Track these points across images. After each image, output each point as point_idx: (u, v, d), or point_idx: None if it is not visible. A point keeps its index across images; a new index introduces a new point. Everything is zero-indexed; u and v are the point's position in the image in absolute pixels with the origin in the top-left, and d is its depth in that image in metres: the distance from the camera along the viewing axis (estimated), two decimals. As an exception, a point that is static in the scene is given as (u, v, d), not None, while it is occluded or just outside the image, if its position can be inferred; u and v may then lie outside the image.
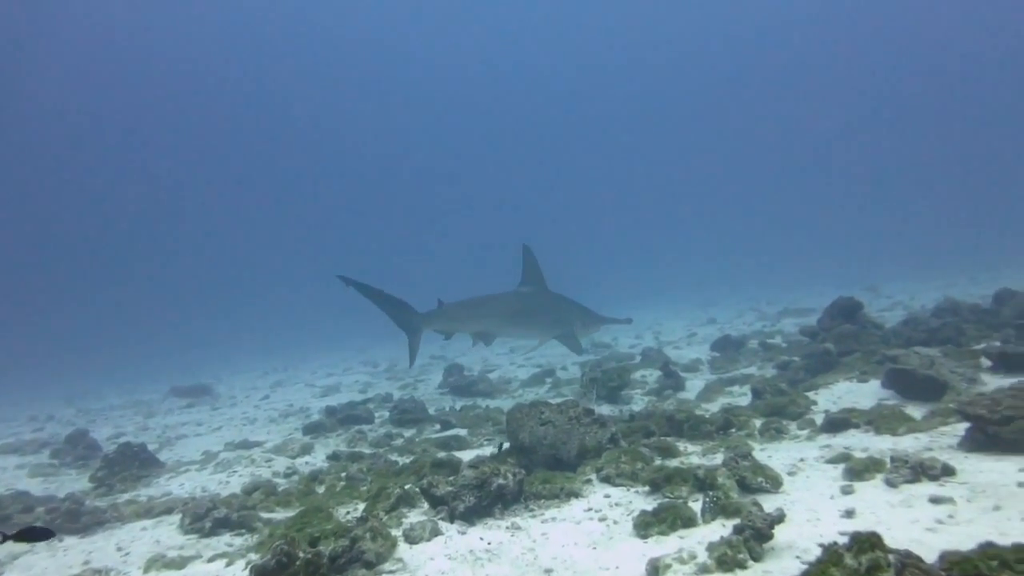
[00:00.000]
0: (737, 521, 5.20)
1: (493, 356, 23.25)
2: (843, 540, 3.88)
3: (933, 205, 67.30)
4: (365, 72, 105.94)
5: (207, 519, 7.20)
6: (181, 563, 6.32)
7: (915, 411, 7.84)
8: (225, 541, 6.90)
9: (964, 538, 4.28)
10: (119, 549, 6.93)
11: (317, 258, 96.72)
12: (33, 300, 73.26)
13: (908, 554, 3.38)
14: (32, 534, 5.73)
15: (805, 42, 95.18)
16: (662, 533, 5.46)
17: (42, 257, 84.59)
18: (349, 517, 6.92)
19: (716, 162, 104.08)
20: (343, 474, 8.93)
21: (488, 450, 9.68)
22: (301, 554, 5.27)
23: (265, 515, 7.54)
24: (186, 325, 60.93)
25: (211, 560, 6.35)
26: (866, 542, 3.46)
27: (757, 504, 5.19)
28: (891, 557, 3.37)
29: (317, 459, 10.48)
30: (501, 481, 6.52)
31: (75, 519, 7.60)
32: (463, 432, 11.19)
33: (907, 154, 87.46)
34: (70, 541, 7.38)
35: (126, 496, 9.36)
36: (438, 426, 12.06)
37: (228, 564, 6.15)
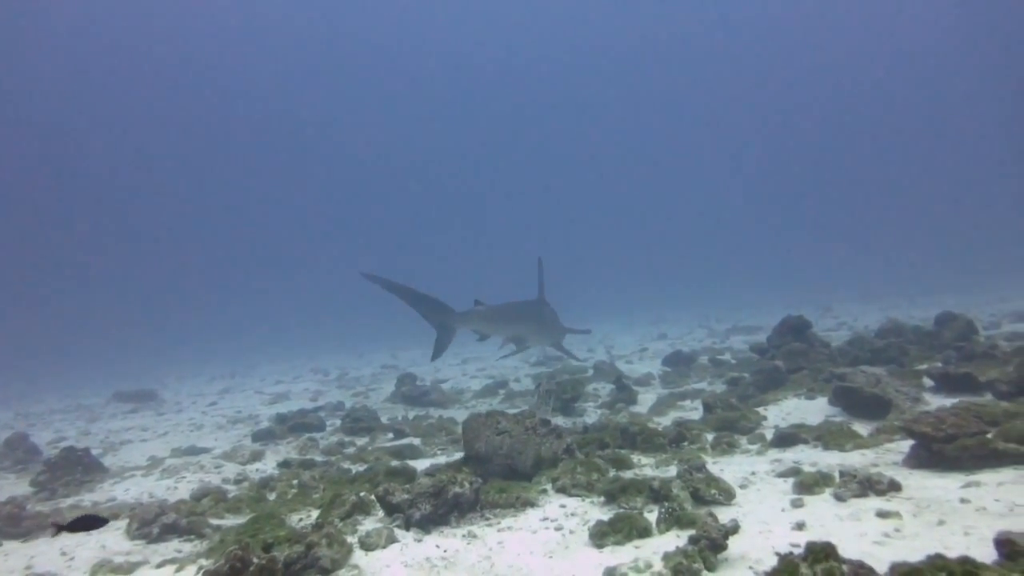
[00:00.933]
0: (692, 532, 5.29)
1: (445, 367, 23.21)
2: (796, 551, 4.00)
3: (876, 231, 69.36)
4: (363, 72, 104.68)
5: (155, 524, 7.01)
6: (128, 568, 6.14)
7: (861, 428, 8.06)
8: (174, 547, 6.73)
9: (910, 551, 4.42)
10: (63, 554, 6.70)
11: (270, 265, 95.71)
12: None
13: (861, 564, 3.48)
14: (86, 523, 5.69)
15: (760, 76, 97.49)
16: (617, 543, 5.50)
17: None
18: (302, 524, 6.83)
19: (674, 184, 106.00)
20: (295, 481, 8.80)
21: (442, 459, 9.67)
22: (255, 559, 5.18)
23: (215, 521, 7.37)
24: (129, 329, 59.38)
25: (159, 566, 6.18)
26: (821, 552, 3.56)
27: (712, 515, 5.27)
28: (845, 567, 3.47)
29: (268, 466, 10.30)
30: (458, 489, 6.50)
31: (16, 523, 7.34)
32: (417, 441, 11.13)
33: (857, 182, 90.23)
34: (11, 545, 7.10)
35: (69, 501, 9.07)
36: (391, 435, 11.98)
37: (178, 570, 5.99)
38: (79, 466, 10.16)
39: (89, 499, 9.13)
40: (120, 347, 47.89)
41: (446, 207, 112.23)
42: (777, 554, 4.10)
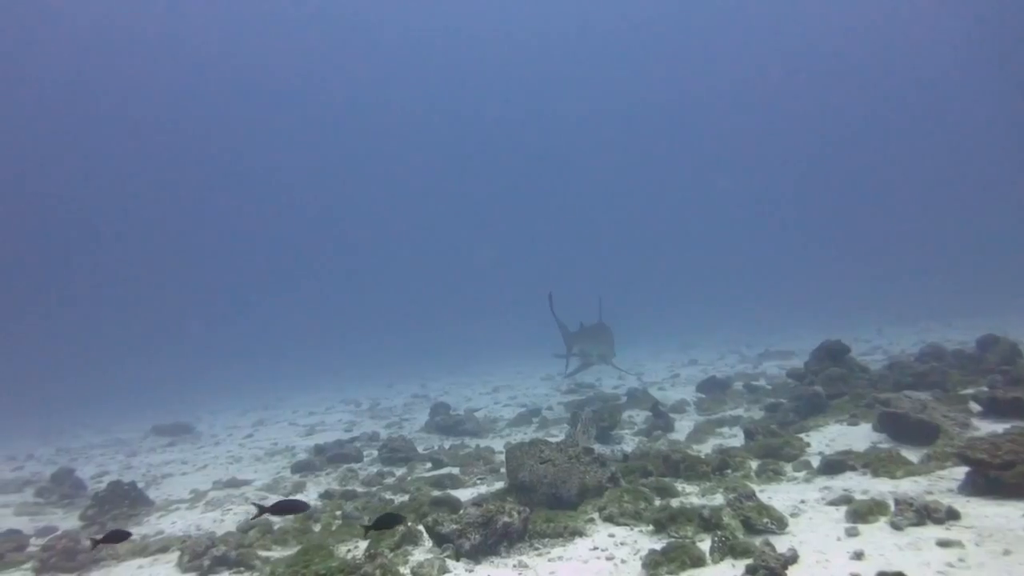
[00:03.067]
0: (747, 561, 5.25)
1: (476, 396, 23.20)
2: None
3: (909, 253, 68.53)
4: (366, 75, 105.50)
5: (206, 557, 7.08)
6: (182, 601, 6.22)
7: (910, 454, 7.94)
8: (225, 579, 6.80)
9: (977, 581, 4.39)
10: (118, 587, 6.80)
11: (295, 293, 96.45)
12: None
13: (935, 594, 3.43)
14: (287, 507, 5.99)
15: (781, 92, 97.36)
16: (671, 572, 5.48)
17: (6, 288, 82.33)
18: (351, 555, 6.85)
19: (698, 207, 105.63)
20: (338, 512, 8.84)
21: (482, 488, 9.67)
22: (311, 591, 5.23)
23: (263, 553, 7.42)
24: (158, 363, 59.94)
25: (213, 598, 6.25)
26: (893, 581, 3.52)
27: (769, 544, 5.23)
28: (919, 596, 3.42)
29: (310, 497, 10.33)
30: (507, 519, 6.51)
31: (71, 558, 7.45)
32: (455, 471, 11.13)
33: (883, 201, 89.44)
34: (65, 579, 7.23)
35: (117, 534, 9.16)
36: (429, 464, 11.99)
37: (232, 602, 6.05)
38: (126, 499, 10.29)
39: (137, 532, 9.22)
40: (149, 379, 48.34)
41: (468, 233, 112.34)
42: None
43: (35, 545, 8.60)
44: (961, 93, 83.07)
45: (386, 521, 5.73)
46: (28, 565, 7.78)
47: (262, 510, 5.71)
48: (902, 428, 8.75)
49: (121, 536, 5.86)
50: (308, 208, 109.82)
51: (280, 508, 5.88)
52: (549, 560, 6.15)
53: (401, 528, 6.93)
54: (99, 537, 5.84)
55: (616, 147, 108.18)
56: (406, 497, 9.24)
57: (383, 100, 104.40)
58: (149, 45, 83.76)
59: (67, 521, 10.17)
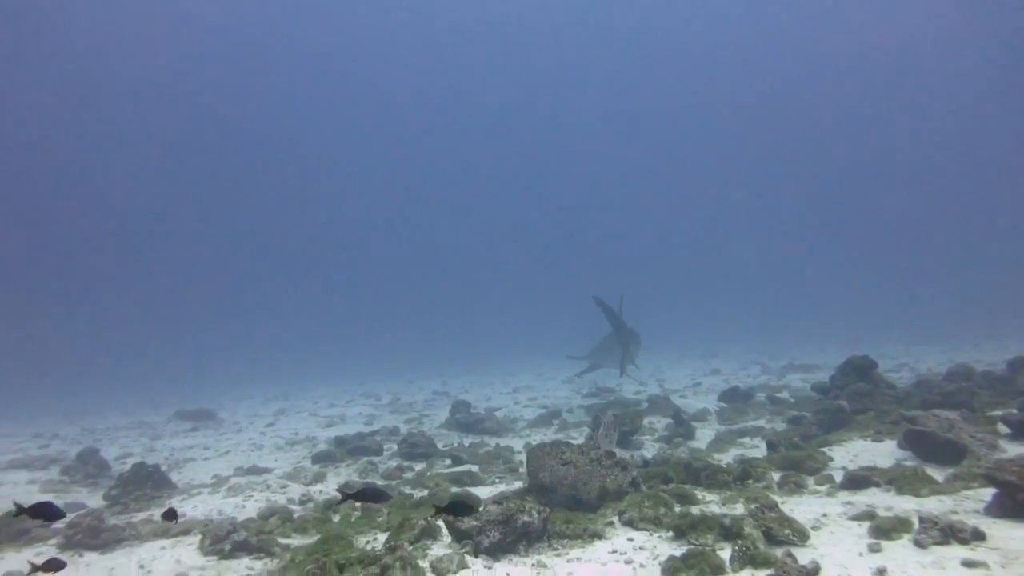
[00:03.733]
0: (767, 571, 5.24)
1: (496, 395, 23.26)
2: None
3: (937, 271, 67.66)
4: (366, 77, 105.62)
5: (227, 541, 7.18)
6: (204, 583, 6.31)
7: (935, 473, 7.85)
8: (245, 564, 6.89)
9: (1002, 602, 4.34)
10: (141, 567, 6.92)
11: (315, 285, 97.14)
12: (22, 317, 72.24)
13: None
14: (370, 494, 6.06)
15: (805, 105, 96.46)
16: (690, 579, 5.47)
17: (34, 274, 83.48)
18: (370, 546, 6.91)
19: (728, 217, 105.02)
20: (358, 504, 8.90)
21: (501, 487, 9.70)
22: (332, 579, 5.29)
23: (283, 540, 7.51)
24: (182, 349, 60.74)
25: (235, 581, 6.34)
26: (919, 598, 3.49)
27: (791, 555, 5.20)
28: (945, 614, 3.39)
29: (330, 488, 10.45)
30: (527, 518, 6.53)
31: (95, 535, 7.58)
32: (475, 468, 11.18)
33: (910, 219, 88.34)
34: (91, 556, 7.36)
35: (141, 515, 9.31)
36: (448, 461, 12.05)
37: (253, 586, 6.14)
38: (149, 481, 10.45)
39: (160, 514, 9.36)
40: (172, 366, 49.03)
41: (480, 239, 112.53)
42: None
43: (61, 522, 8.74)
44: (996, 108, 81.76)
45: (458, 508, 5.73)
46: (53, 541, 7.92)
47: (346, 496, 5.73)
48: (928, 447, 8.64)
49: (58, 565, 5.73)
50: (336, 203, 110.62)
51: (364, 495, 5.88)
52: (568, 561, 6.16)
53: (421, 522, 6.99)
54: (351, 492, 5.95)
55: (643, 153, 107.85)
56: (425, 492, 9.29)
57: (413, 95, 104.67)
58: (150, 44, 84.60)
59: (91, 500, 10.35)
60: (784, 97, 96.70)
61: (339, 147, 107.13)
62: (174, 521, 6.13)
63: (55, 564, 5.76)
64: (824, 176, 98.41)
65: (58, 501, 10.26)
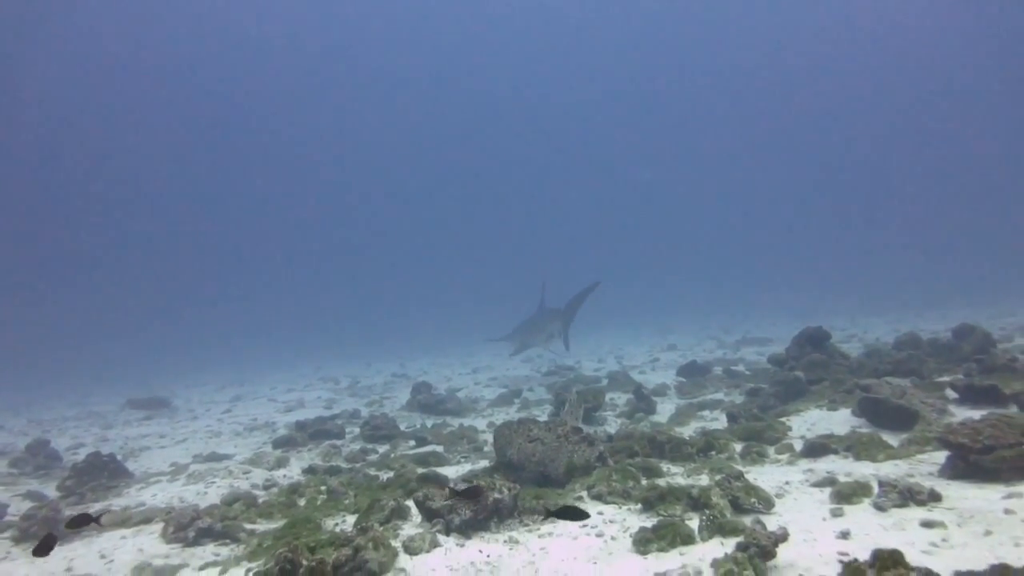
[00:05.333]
0: (735, 539, 5.36)
1: (456, 376, 23.26)
2: (853, 558, 4.06)
3: (880, 246, 69.51)
4: (362, 72, 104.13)
5: (191, 528, 7.07)
6: (170, 572, 6.22)
7: (889, 439, 8.11)
8: (211, 551, 6.79)
9: (962, 560, 4.51)
10: (102, 556, 6.76)
11: (272, 269, 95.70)
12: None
13: (928, 572, 3.54)
14: (472, 492, 5.99)
15: (771, 83, 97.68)
16: (662, 549, 5.56)
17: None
18: (339, 529, 6.88)
19: (679, 196, 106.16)
20: (323, 487, 8.85)
21: (467, 466, 9.73)
22: (304, 561, 5.25)
23: (248, 526, 7.42)
24: (132, 338, 59.21)
25: (202, 568, 6.25)
26: (889, 559, 3.62)
27: (760, 522, 5.33)
28: (914, 575, 3.52)
29: (293, 472, 10.35)
30: (497, 495, 6.55)
31: (53, 526, 7.38)
32: (439, 449, 11.19)
33: (862, 188, 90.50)
34: (48, 548, 7.16)
35: (98, 505, 9.10)
36: (412, 442, 12.03)
37: (222, 572, 6.06)
38: (104, 471, 10.22)
39: (117, 504, 9.18)
40: (118, 353, 47.82)
41: (445, 211, 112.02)
42: (841, 562, 4.16)
43: (13, 515, 8.52)
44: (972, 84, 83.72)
45: (570, 513, 5.69)
46: (7, 534, 7.71)
47: (453, 493, 5.60)
48: (882, 413, 8.92)
49: (473, 493, 5.94)
50: (287, 193, 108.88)
51: (469, 493, 5.76)
52: (539, 536, 6.21)
53: (391, 503, 6.98)
54: (459, 489, 5.91)
55: (597, 136, 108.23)
56: (391, 474, 9.27)
57: (387, 85, 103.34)
58: (150, 44, 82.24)
59: (44, 492, 10.05)
60: (764, 79, 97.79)
61: (306, 131, 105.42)
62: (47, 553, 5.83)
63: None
64: (772, 144, 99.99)
65: (8, 494, 10.00)
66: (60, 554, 6.94)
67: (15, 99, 75.28)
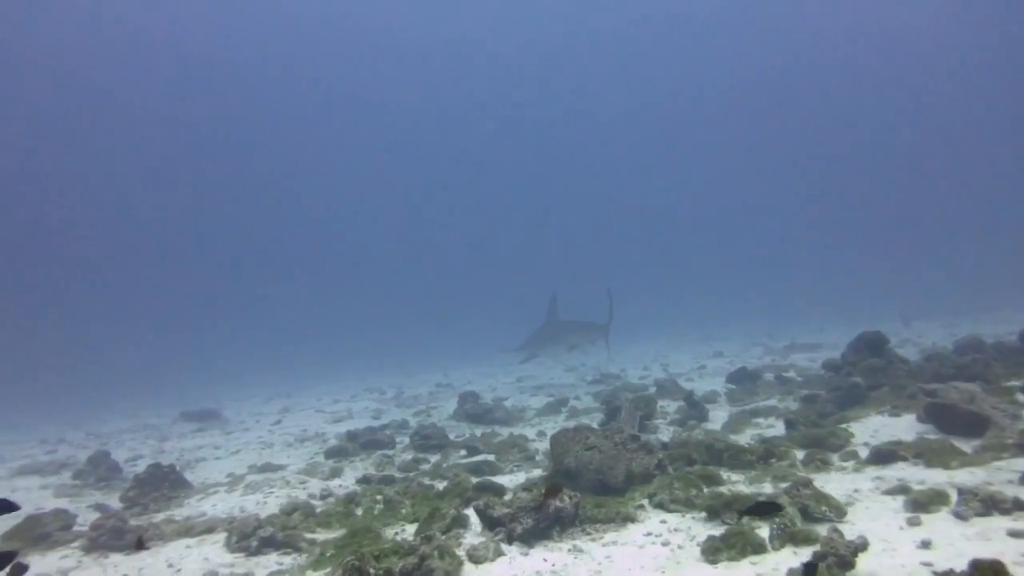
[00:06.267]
0: (809, 548, 5.21)
1: (501, 385, 23.21)
2: (928, 571, 3.89)
3: (930, 248, 67.98)
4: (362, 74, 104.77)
5: (253, 538, 7.11)
6: (237, 581, 6.24)
7: (960, 445, 7.83)
8: (274, 560, 6.81)
9: (1057, 570, 4.31)
10: (170, 566, 6.82)
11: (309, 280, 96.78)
12: (13, 322, 71.41)
13: (1032, 581, 3.37)
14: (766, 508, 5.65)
15: (801, 85, 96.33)
16: (732, 559, 5.43)
17: (23, 278, 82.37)
18: (399, 538, 6.85)
19: (718, 200, 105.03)
20: (379, 497, 8.83)
21: (521, 476, 9.65)
22: (371, 570, 5.22)
23: (308, 535, 7.43)
24: (178, 351, 60.23)
25: (268, 577, 6.27)
26: (989, 570, 3.45)
27: (837, 531, 5.16)
28: (1017, 583, 3.35)
29: (348, 482, 10.36)
30: (559, 503, 6.47)
31: (119, 536, 7.48)
32: (491, 457, 11.11)
33: (904, 198, 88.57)
34: (116, 558, 7.25)
35: (161, 516, 9.20)
36: (464, 452, 11.98)
37: (288, 581, 6.07)
38: (166, 482, 10.33)
39: (180, 514, 9.28)
40: (167, 368, 48.65)
41: (472, 223, 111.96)
42: (935, 573, 3.99)
43: (80, 525, 8.66)
44: (977, 87, 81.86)
45: (763, 508, 5.60)
46: (77, 544, 7.82)
47: (744, 512, 5.56)
48: (950, 419, 8.63)
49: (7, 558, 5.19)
50: (327, 200, 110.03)
51: (757, 510, 5.73)
52: (603, 545, 6.11)
53: (452, 512, 6.94)
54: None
55: (634, 141, 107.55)
56: (444, 483, 9.22)
57: (407, 91, 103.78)
58: (153, 42, 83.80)
59: (107, 503, 10.21)
60: (780, 88, 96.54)
61: (337, 146, 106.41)
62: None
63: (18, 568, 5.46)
64: (812, 158, 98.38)
65: (73, 506, 10.16)
66: (127, 564, 7.02)
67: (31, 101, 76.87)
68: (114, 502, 10.14)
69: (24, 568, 5.73)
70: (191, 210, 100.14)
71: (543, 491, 6.52)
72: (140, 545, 5.70)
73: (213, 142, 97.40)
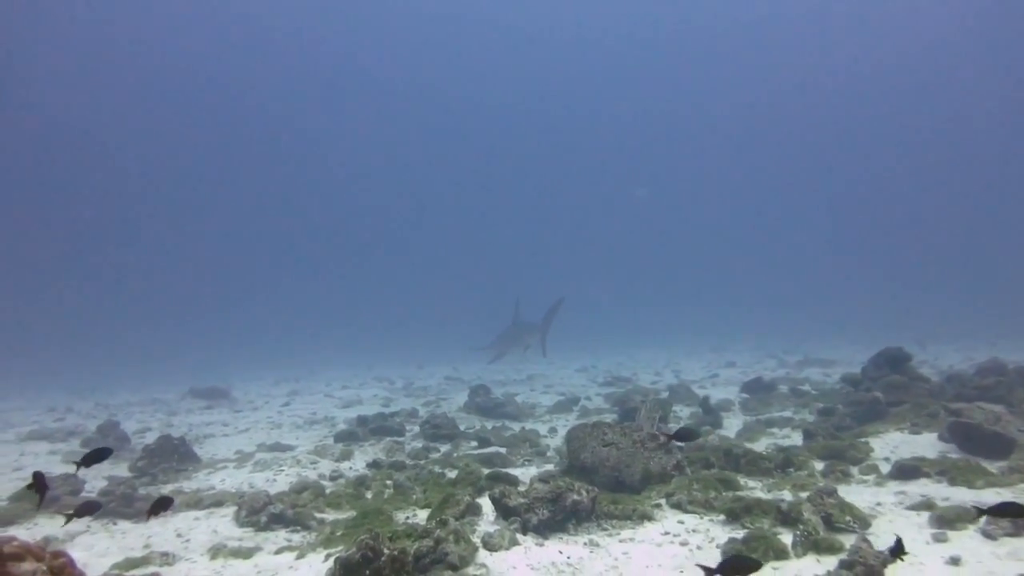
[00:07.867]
0: (833, 557, 5.10)
1: (511, 382, 23.13)
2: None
3: (945, 274, 67.41)
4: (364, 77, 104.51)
5: (263, 513, 7.04)
6: (246, 553, 6.17)
7: (986, 466, 7.68)
8: (283, 536, 6.74)
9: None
10: (178, 536, 6.77)
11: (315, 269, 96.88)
12: (27, 296, 71.71)
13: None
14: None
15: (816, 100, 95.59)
16: (753, 564, 5.31)
17: (42, 257, 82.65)
18: (410, 522, 6.77)
19: (731, 217, 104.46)
20: (389, 481, 8.76)
21: (533, 469, 9.54)
22: (386, 550, 5.13)
23: (318, 515, 7.35)
24: (189, 332, 60.46)
25: (278, 552, 6.19)
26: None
27: (866, 540, 5.03)
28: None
29: (358, 465, 10.28)
30: (576, 497, 6.38)
31: (129, 503, 7.43)
32: (503, 450, 11.03)
33: (923, 219, 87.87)
34: (125, 525, 7.21)
35: (170, 487, 9.15)
36: (475, 443, 11.90)
37: (299, 557, 5.99)
38: (175, 454, 10.29)
39: (188, 487, 9.23)
40: (177, 347, 48.78)
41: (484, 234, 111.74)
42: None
43: (89, 492, 8.62)
44: (1001, 106, 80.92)
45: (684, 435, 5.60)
46: (85, 509, 7.78)
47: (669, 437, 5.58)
48: (974, 439, 8.47)
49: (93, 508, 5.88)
50: (343, 194, 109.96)
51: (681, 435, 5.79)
52: (620, 541, 6.02)
53: (466, 499, 6.86)
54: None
55: (643, 150, 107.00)
56: (455, 472, 9.12)
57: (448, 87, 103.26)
58: (154, 42, 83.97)
59: (116, 472, 10.16)
60: (786, 96, 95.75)
61: (350, 139, 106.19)
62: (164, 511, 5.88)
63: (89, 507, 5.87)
64: (823, 173, 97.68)
65: (82, 472, 10.10)
66: (136, 531, 6.98)
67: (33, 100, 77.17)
68: (123, 471, 10.09)
69: (97, 506, 6.03)
70: (207, 201, 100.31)
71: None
72: (161, 508, 5.66)
73: (231, 133, 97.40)
